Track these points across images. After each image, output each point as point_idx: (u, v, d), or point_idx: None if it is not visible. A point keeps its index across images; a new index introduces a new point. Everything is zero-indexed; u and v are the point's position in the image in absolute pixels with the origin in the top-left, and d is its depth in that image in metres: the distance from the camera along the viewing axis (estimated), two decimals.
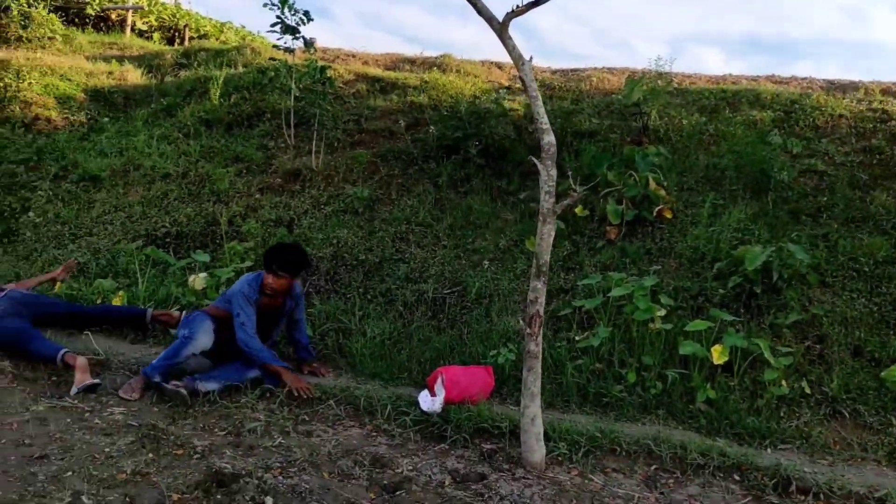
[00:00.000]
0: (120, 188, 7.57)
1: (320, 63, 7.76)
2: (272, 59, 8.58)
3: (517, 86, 9.72)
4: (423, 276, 6.19)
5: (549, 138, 3.70)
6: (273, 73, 8.15)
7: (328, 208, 7.09)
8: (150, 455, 3.70)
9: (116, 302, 5.54)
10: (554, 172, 3.73)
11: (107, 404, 4.32)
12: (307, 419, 4.41)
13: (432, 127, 7.87)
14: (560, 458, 4.12)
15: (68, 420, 4.06)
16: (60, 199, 7.38)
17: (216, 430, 4.15)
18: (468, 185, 7.33)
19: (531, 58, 3.77)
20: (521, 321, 3.96)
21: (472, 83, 9.29)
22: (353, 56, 11.35)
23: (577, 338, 5.31)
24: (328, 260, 6.35)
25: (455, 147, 7.55)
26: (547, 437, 4.07)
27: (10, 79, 9.05)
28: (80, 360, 4.53)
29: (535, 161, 3.76)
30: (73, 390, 4.39)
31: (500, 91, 8.77)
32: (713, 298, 5.56)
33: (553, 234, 3.78)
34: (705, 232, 6.21)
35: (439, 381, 4.60)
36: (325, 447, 4.02)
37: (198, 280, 5.83)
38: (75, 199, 7.38)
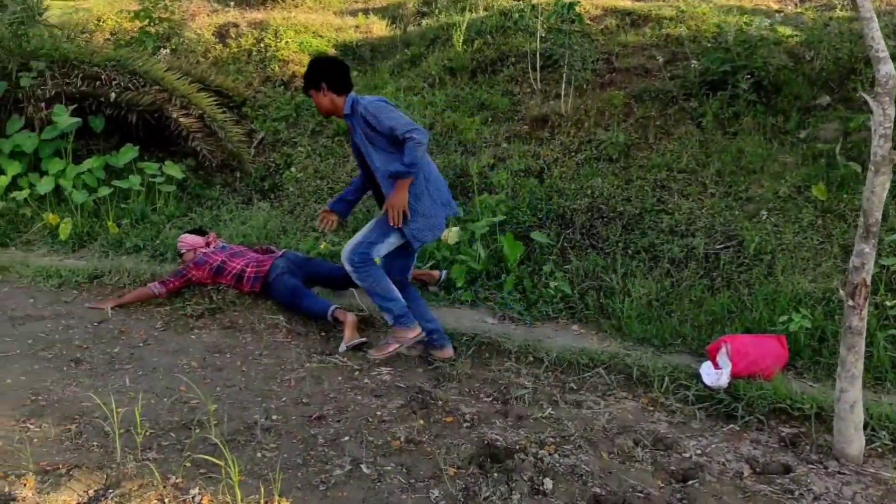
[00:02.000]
0: None
1: None
2: None
3: (789, 9, 8.54)
4: (691, 229, 5.58)
5: (887, 69, 2.97)
6: (518, 15, 7.77)
7: (580, 156, 6.64)
8: (421, 422, 3.58)
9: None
10: (892, 111, 3.00)
11: (374, 363, 4.30)
12: (574, 387, 4.09)
13: (694, 61, 7.08)
14: (881, 450, 3.47)
15: (340, 378, 4.08)
16: (318, 154, 7.61)
17: (482, 395, 3.97)
18: (738, 125, 6.51)
19: None
20: (839, 290, 3.31)
21: (738, 8, 8.26)
22: None
23: (888, 303, 4.48)
24: (583, 212, 5.93)
25: (721, 82, 6.73)
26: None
27: (270, 39, 9.49)
28: (350, 318, 4.56)
29: (867, 97, 3.05)
30: (342, 347, 4.42)
31: (774, 15, 7.69)
32: None
33: (887, 186, 3.07)
34: None
35: (723, 350, 4.07)
36: (598, 421, 3.69)
37: (451, 234, 5.69)
38: (331, 154, 7.58)
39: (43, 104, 7.11)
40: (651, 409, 3.87)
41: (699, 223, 5.60)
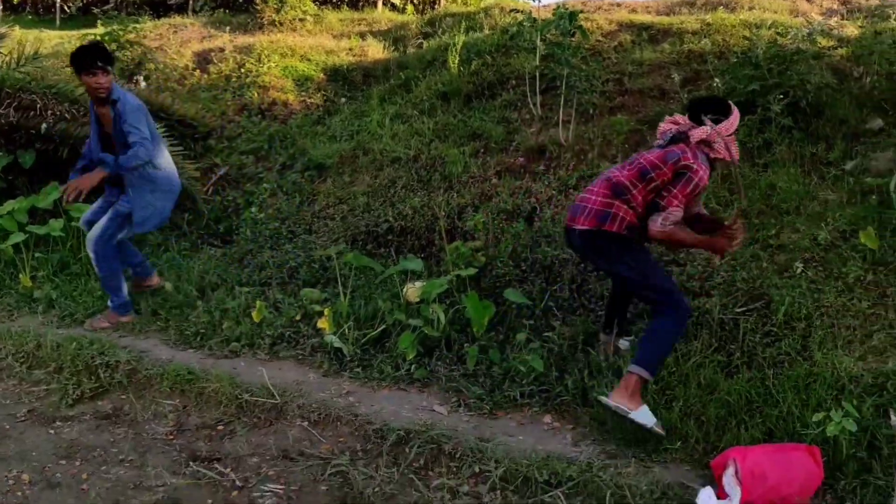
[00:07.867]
0: (346, 177, 6.72)
1: (569, 9, 6.19)
2: (514, 10, 7.20)
3: (834, 20, 7.37)
4: (705, 286, 4.45)
5: None
6: (516, 30, 6.74)
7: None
8: None
9: (322, 324, 4.54)
10: None
11: (273, 476, 3.27)
12: None
13: (717, 79, 5.96)
14: None
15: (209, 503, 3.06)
16: (284, 191, 6.68)
17: None
18: (769, 155, 5.38)
19: None
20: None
21: (772, 21, 7.12)
22: (619, 5, 9.57)
23: None
24: (574, 263, 4.85)
25: (749, 104, 5.58)
26: None
27: (252, 64, 8.69)
28: None
29: None
30: None
31: (814, 25, 6.52)
32: None
33: None
34: None
35: (730, 470, 2.95)
36: None
37: (411, 291, 4.67)
38: (299, 191, 6.64)
39: None
40: None
41: (716, 278, 4.48)
